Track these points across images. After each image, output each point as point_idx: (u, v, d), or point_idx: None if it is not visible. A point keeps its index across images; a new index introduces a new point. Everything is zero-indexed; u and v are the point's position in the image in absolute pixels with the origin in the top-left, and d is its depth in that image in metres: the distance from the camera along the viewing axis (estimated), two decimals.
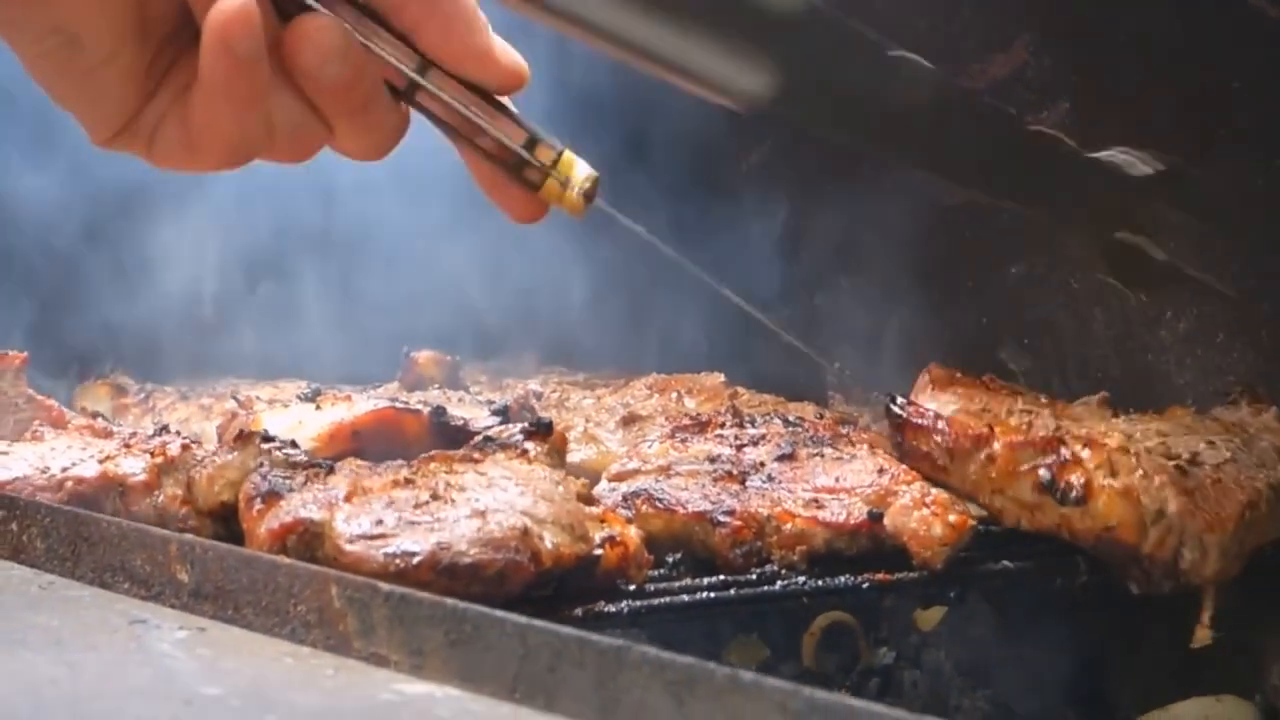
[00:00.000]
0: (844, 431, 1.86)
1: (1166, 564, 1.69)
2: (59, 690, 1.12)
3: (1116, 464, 1.73)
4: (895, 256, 2.33)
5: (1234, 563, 1.73)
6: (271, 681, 1.19)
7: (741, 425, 1.86)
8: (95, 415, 2.19)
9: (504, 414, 2.01)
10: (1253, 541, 1.75)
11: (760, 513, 1.68)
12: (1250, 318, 1.96)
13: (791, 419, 1.89)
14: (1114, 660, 1.97)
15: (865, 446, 1.81)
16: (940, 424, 1.79)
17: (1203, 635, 1.76)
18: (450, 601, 1.24)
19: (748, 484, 1.73)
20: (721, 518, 1.68)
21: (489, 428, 1.81)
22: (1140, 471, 1.72)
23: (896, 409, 1.82)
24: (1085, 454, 1.73)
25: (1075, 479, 1.71)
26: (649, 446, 1.83)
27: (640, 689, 1.10)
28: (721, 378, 2.26)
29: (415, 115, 1.20)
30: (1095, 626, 1.94)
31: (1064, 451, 1.73)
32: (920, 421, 1.80)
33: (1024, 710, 1.98)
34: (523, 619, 1.19)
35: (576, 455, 1.98)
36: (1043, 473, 1.72)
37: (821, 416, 2.00)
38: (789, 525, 1.67)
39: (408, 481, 1.56)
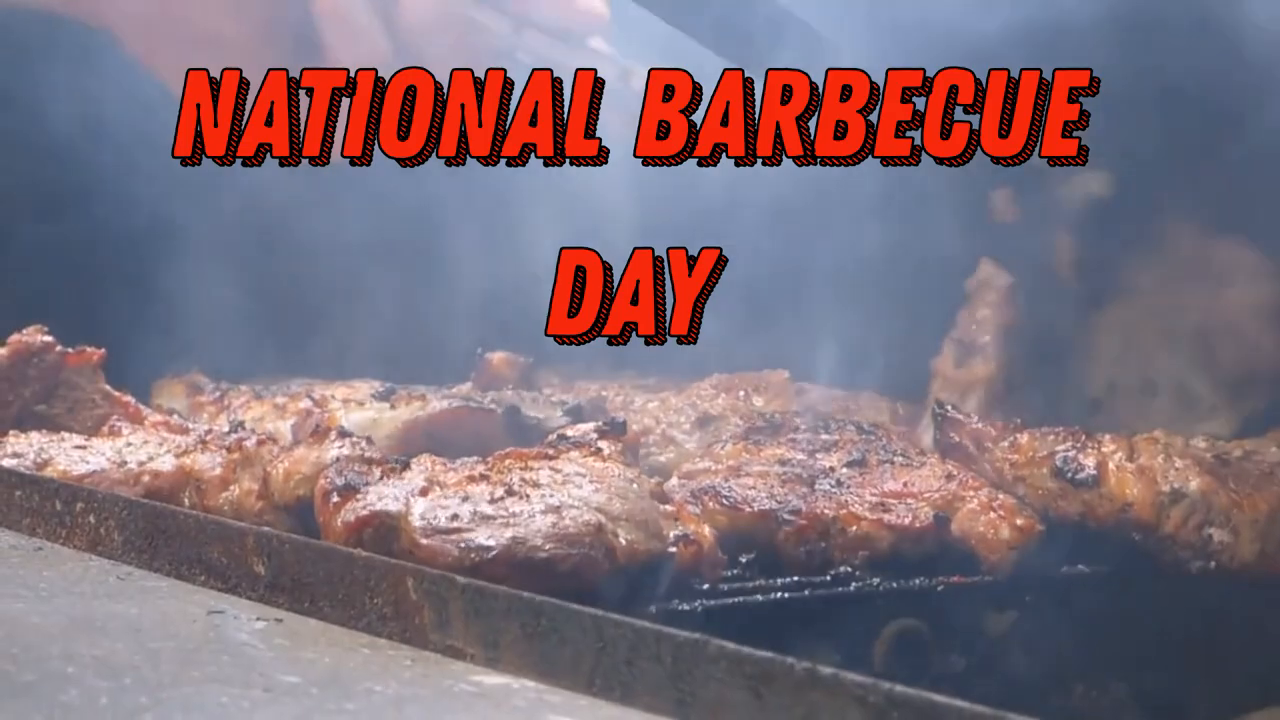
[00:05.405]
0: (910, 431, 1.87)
1: (1194, 545, 1.69)
2: (140, 677, 1.13)
3: (1138, 449, 1.74)
4: None
5: None
6: (350, 671, 1.20)
7: (816, 430, 1.86)
8: (171, 412, 2.21)
9: (577, 413, 2.02)
10: None
11: (826, 514, 1.68)
12: None
13: (866, 426, 1.89)
14: (1188, 669, 1.95)
15: (935, 455, 1.81)
16: (974, 416, 1.85)
17: None
18: (526, 595, 1.24)
19: (815, 487, 1.73)
20: (787, 516, 1.68)
21: (562, 427, 1.82)
22: (1162, 455, 1.72)
23: (938, 408, 1.89)
24: (1107, 441, 1.74)
25: (1088, 460, 1.71)
26: (722, 447, 1.83)
27: (718, 682, 1.10)
28: (786, 374, 2.25)
29: None
30: (1170, 633, 1.92)
31: (1084, 439, 1.74)
32: (956, 415, 1.85)
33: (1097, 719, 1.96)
34: (599, 612, 1.19)
35: (660, 458, 2.00)
36: (1059, 457, 1.73)
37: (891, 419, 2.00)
38: (854, 528, 1.66)
39: (483, 477, 1.57)
